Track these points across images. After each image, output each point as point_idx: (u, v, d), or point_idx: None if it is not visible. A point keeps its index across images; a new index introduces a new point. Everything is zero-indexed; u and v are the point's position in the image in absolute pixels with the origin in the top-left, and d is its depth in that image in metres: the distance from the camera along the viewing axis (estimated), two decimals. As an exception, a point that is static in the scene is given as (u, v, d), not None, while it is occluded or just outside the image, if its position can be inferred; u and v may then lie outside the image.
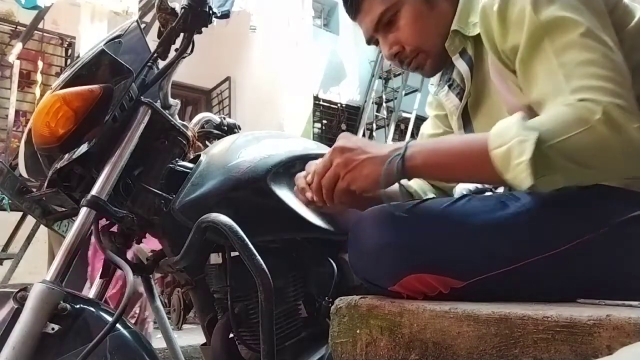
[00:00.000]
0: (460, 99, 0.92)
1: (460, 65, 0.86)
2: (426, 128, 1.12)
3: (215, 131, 1.41)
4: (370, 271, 0.74)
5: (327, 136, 6.73)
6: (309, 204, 0.85)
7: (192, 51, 1.07)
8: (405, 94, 6.89)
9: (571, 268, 0.64)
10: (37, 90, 4.45)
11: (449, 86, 0.94)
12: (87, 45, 3.56)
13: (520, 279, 0.65)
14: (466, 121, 0.92)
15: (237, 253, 0.93)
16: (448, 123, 1.04)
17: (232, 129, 1.45)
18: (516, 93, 0.76)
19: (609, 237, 0.62)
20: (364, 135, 6.60)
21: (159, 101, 1.07)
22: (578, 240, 0.63)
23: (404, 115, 6.94)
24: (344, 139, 0.76)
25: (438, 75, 0.97)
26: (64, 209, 1.15)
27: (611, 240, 0.62)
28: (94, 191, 0.92)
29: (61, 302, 0.82)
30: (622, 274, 0.64)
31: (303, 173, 0.86)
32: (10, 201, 3.46)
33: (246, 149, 1.09)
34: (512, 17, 0.71)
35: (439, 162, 0.69)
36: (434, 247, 0.68)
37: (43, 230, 3.24)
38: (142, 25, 1.17)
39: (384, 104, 7.27)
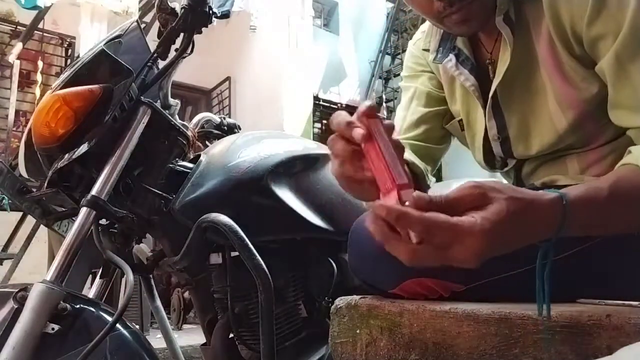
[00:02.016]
0: (476, 77, 0.82)
1: (504, 30, 0.75)
2: (413, 110, 0.94)
3: (215, 131, 1.41)
4: (370, 274, 0.74)
5: (327, 136, 6.68)
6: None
7: (192, 51, 1.07)
8: (405, 94, 6.88)
9: (573, 272, 0.64)
10: (37, 90, 4.45)
11: (456, 56, 0.83)
12: (87, 45, 3.56)
13: (521, 284, 0.65)
14: (495, 108, 0.81)
15: (237, 253, 0.94)
16: (441, 102, 0.93)
17: (232, 129, 1.45)
18: (575, 84, 0.71)
19: (611, 242, 0.61)
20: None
21: (159, 101, 1.07)
22: (581, 246, 0.62)
23: (404, 115, 6.93)
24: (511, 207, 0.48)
25: (434, 40, 0.86)
26: (64, 209, 1.15)
27: (614, 245, 0.62)
28: (94, 191, 0.92)
29: (61, 302, 0.82)
30: (622, 274, 0.64)
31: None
32: (10, 201, 3.46)
33: (246, 149, 1.10)
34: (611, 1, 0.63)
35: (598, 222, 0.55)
36: None
37: (43, 230, 3.24)
38: (142, 25, 1.17)
39: (384, 104, 7.27)
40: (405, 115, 0.95)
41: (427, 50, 0.89)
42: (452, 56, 0.83)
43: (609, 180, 0.56)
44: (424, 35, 0.93)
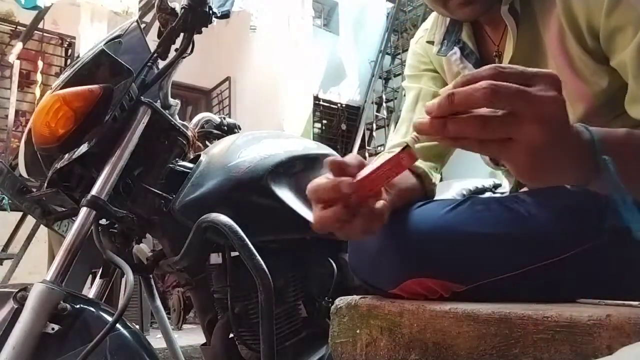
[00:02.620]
0: None
1: (509, 21, 0.74)
2: (419, 110, 0.92)
3: (215, 131, 1.41)
4: (370, 274, 0.74)
5: (327, 136, 6.74)
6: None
7: (192, 51, 1.07)
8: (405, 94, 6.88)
9: (574, 273, 0.64)
10: (37, 90, 4.45)
11: (461, 50, 0.82)
12: (87, 45, 3.56)
13: (521, 284, 0.65)
14: None
15: (237, 253, 0.94)
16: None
17: (232, 129, 1.45)
18: (585, 78, 0.70)
19: (612, 243, 0.61)
20: (363, 135, 6.60)
21: (159, 101, 1.07)
22: (582, 247, 0.62)
23: (404, 115, 6.93)
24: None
25: (438, 33, 0.86)
26: (64, 209, 1.15)
27: (615, 246, 0.61)
28: (94, 191, 0.92)
29: (61, 302, 0.82)
30: (623, 275, 0.64)
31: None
32: (10, 201, 3.46)
33: (246, 149, 1.10)
34: None
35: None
36: (435, 252, 0.67)
37: (43, 230, 3.24)
38: (142, 25, 1.17)
39: (384, 104, 7.27)
40: (412, 117, 0.94)
41: (432, 42, 0.89)
42: (456, 49, 0.83)
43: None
44: (428, 30, 0.93)
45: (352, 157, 0.57)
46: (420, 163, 0.85)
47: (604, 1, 0.64)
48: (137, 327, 1.25)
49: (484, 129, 0.44)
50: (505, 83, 0.43)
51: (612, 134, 0.54)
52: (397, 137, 0.95)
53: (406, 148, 0.51)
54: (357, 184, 0.53)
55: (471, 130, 0.45)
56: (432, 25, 0.91)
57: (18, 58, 4.01)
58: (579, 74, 0.71)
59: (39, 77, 4.53)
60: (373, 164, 0.55)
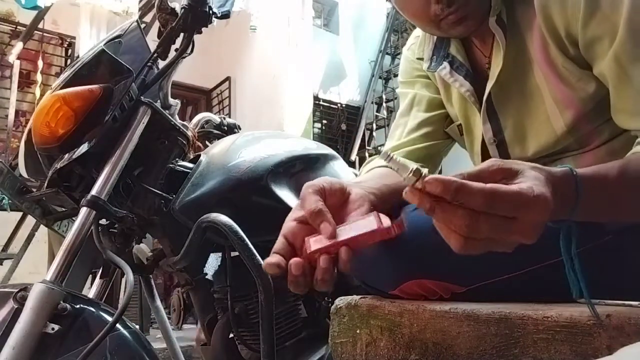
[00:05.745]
0: (471, 83, 0.82)
1: (497, 32, 0.75)
2: (414, 115, 0.93)
3: (215, 131, 1.42)
4: (369, 275, 0.73)
5: (327, 136, 6.73)
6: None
7: (192, 51, 1.07)
8: (405, 94, 6.88)
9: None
10: (37, 90, 4.45)
11: (450, 64, 0.83)
12: (87, 45, 3.57)
13: (521, 285, 0.65)
14: (490, 111, 0.81)
15: (237, 253, 0.94)
16: (442, 106, 0.92)
17: (232, 129, 1.45)
18: (570, 84, 0.71)
19: (612, 244, 0.61)
20: (363, 135, 6.60)
21: (159, 101, 1.07)
22: (582, 247, 0.62)
23: (404, 115, 6.93)
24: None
25: (427, 49, 0.87)
26: (64, 209, 1.15)
27: (615, 247, 0.61)
28: (94, 191, 0.92)
29: (61, 302, 0.82)
30: (623, 275, 0.64)
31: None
32: (10, 201, 3.46)
33: (246, 149, 1.10)
34: (605, 1, 0.63)
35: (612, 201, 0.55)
36: (435, 254, 0.67)
37: (43, 230, 3.24)
38: (142, 25, 1.17)
39: (384, 104, 7.27)
40: (407, 121, 0.94)
41: (421, 59, 0.90)
42: (445, 64, 0.84)
43: (618, 162, 0.56)
44: (418, 42, 0.94)
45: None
46: (410, 164, 0.85)
47: (580, 12, 0.65)
48: (137, 327, 1.25)
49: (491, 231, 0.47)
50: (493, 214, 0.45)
51: (599, 172, 0.54)
52: (392, 141, 0.96)
53: (399, 218, 0.53)
54: (335, 244, 0.58)
55: (480, 231, 0.47)
56: (420, 41, 0.92)
57: (18, 58, 4.01)
58: (564, 81, 0.72)
59: (39, 77, 4.52)
60: (355, 222, 0.57)
